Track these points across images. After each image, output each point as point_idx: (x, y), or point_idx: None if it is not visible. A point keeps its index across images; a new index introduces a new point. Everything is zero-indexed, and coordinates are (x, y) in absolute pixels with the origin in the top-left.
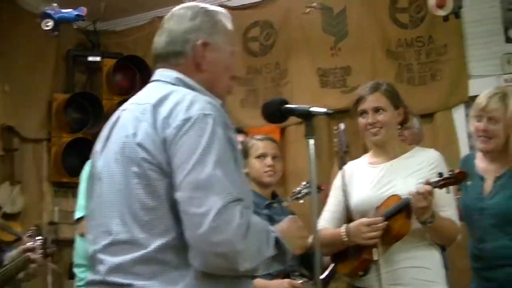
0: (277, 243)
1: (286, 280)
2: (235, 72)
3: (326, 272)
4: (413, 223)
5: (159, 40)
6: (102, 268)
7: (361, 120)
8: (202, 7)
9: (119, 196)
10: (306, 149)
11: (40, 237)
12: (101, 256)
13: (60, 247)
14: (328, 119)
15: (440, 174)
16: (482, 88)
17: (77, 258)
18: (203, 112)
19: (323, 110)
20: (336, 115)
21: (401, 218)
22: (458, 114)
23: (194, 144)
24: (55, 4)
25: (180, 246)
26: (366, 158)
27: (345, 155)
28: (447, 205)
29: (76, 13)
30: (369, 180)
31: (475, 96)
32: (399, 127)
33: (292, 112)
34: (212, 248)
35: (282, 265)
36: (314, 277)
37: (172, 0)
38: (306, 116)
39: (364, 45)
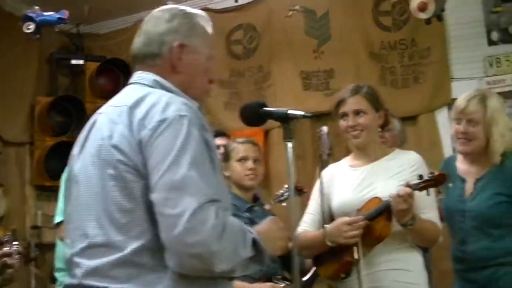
0: (255, 244)
1: (268, 284)
2: (213, 76)
3: (309, 275)
4: (394, 226)
5: (137, 41)
6: (78, 271)
7: (342, 123)
8: (181, 9)
9: (95, 199)
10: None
11: (16, 242)
12: (78, 259)
13: (43, 251)
14: (312, 122)
15: (421, 177)
16: (465, 91)
17: (58, 262)
18: (178, 113)
19: (301, 113)
20: (319, 118)
21: (382, 220)
22: (441, 117)
23: (169, 145)
24: (37, 7)
25: (156, 248)
26: (347, 161)
27: (328, 158)
28: (427, 207)
29: (58, 16)
30: (350, 183)
31: None
32: (380, 129)
33: (270, 115)
34: (187, 249)
35: (259, 266)
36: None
37: (156, 2)
38: (284, 119)
39: (347, 48)
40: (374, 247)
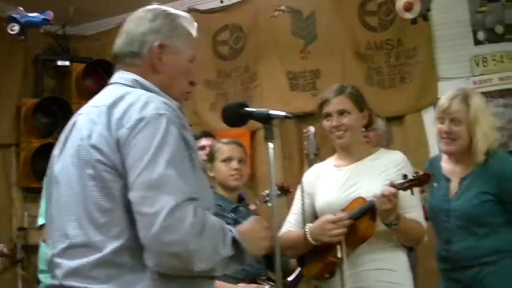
0: (235, 243)
1: (253, 285)
2: (193, 78)
3: (293, 275)
4: (378, 225)
5: (118, 41)
6: (59, 272)
7: (326, 123)
8: (164, 10)
9: (75, 199)
10: (275, 152)
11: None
12: (58, 260)
13: (29, 252)
14: (298, 122)
15: (405, 176)
16: None
17: (41, 264)
18: (157, 112)
19: (282, 113)
20: (306, 118)
21: (366, 220)
22: (428, 117)
23: (147, 144)
24: (21, 8)
25: (135, 248)
26: (331, 161)
27: (315, 158)
28: (412, 206)
29: (42, 17)
30: (334, 183)
31: None
32: (364, 129)
33: (251, 115)
34: (165, 248)
35: (240, 265)
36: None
37: (141, 3)
38: (266, 120)
39: (333, 48)
40: (358, 247)
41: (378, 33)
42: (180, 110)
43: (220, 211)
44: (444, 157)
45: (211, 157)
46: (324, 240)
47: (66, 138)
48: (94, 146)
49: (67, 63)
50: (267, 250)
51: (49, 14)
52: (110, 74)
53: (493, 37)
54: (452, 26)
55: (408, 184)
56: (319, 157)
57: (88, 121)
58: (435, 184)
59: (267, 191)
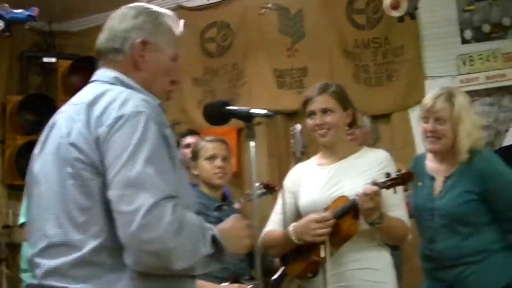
0: (215, 241)
1: (236, 285)
2: (176, 76)
3: (277, 274)
4: (361, 224)
5: (101, 37)
6: (39, 272)
7: (309, 122)
8: (147, 7)
9: (55, 198)
10: (262, 150)
11: None
12: (38, 259)
13: (14, 251)
14: (285, 120)
15: (388, 175)
16: None
17: (23, 263)
18: (136, 109)
19: (264, 112)
20: (293, 116)
21: (349, 219)
22: (415, 115)
23: (126, 141)
24: (6, 5)
25: (115, 247)
26: (315, 160)
27: (302, 156)
28: (395, 205)
29: (27, 13)
30: (317, 182)
31: None
32: (348, 128)
33: (233, 114)
34: (143, 246)
35: (220, 264)
36: (265, 280)
37: (129, 0)
38: (247, 118)
39: (321, 46)
40: (341, 246)
41: (365, 31)
42: (161, 108)
43: (203, 210)
44: (429, 156)
45: (195, 155)
46: (308, 240)
47: (46, 137)
48: (73, 144)
49: (53, 59)
50: (248, 248)
51: (34, 10)
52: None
53: (480, 36)
54: (440, 24)
55: (391, 182)
56: (306, 155)
57: (67, 119)
58: (419, 183)
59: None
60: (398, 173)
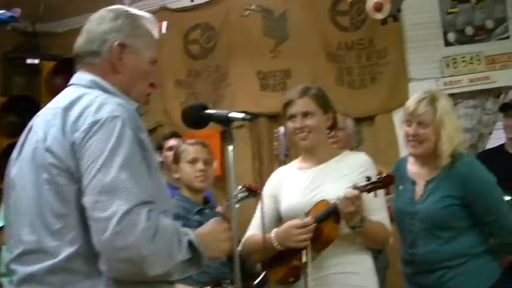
0: (192, 246)
1: None
2: (154, 79)
3: (258, 279)
4: (343, 228)
5: (79, 40)
6: (15, 278)
7: (290, 125)
8: (125, 10)
9: (31, 204)
10: (245, 153)
11: None
12: (14, 266)
13: None
14: (269, 123)
15: (368, 178)
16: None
17: (3, 267)
18: (112, 114)
19: (241, 115)
20: (277, 118)
21: (330, 223)
22: (398, 117)
23: (101, 147)
24: None
25: (90, 254)
26: (295, 163)
27: (285, 159)
28: (377, 208)
29: (10, 14)
30: (298, 186)
31: None
32: (329, 131)
33: (211, 117)
34: (117, 253)
35: (197, 269)
36: (247, 285)
37: (113, 2)
38: (225, 122)
39: (304, 48)
40: (322, 251)
41: (349, 33)
42: (138, 111)
43: (185, 213)
44: (410, 159)
45: (176, 158)
46: (289, 246)
47: (24, 141)
48: (48, 150)
49: (36, 61)
50: (228, 252)
51: (17, 11)
52: None
53: (464, 39)
54: (423, 27)
55: (372, 186)
56: (289, 157)
57: (44, 123)
58: (400, 187)
59: (234, 192)
60: (379, 176)
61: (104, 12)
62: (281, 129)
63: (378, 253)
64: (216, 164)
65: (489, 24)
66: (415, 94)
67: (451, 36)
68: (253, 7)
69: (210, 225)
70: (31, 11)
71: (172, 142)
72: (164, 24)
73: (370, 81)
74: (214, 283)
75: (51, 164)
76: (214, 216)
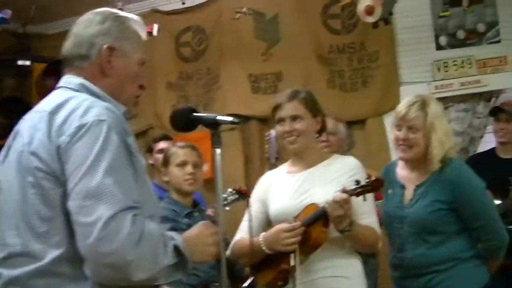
0: (178, 251)
1: None
2: (143, 81)
3: (247, 283)
4: (332, 232)
5: (67, 43)
6: (0, 281)
7: (279, 128)
8: (113, 13)
9: (16, 207)
10: (236, 155)
11: None
12: None
13: None
14: (260, 126)
15: (357, 182)
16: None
17: None
18: (98, 118)
19: (230, 119)
20: (268, 121)
21: (318, 226)
22: (390, 121)
23: (86, 152)
24: None
25: (75, 258)
26: (284, 167)
27: (276, 161)
28: (366, 212)
29: (0, 16)
30: (287, 189)
31: None
32: (317, 135)
33: (199, 120)
34: (101, 258)
35: (183, 273)
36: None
37: (104, 3)
38: (213, 125)
39: (296, 51)
40: (311, 254)
41: (341, 36)
42: (126, 115)
43: (174, 216)
44: (400, 163)
45: (165, 161)
46: (278, 249)
47: (10, 144)
48: (34, 153)
49: (27, 62)
50: (215, 256)
51: (7, 13)
52: None
53: (455, 42)
54: (415, 30)
55: (361, 189)
56: (280, 161)
57: (30, 127)
58: (390, 191)
59: (224, 195)
60: (367, 180)
61: (91, 15)
62: (272, 132)
63: (368, 257)
64: (207, 167)
65: (481, 27)
66: (406, 97)
67: (443, 40)
68: (244, 10)
69: (197, 228)
70: (22, 13)
71: (162, 144)
72: (155, 27)
73: (362, 85)
74: (203, 286)
75: (37, 167)
76: (203, 219)
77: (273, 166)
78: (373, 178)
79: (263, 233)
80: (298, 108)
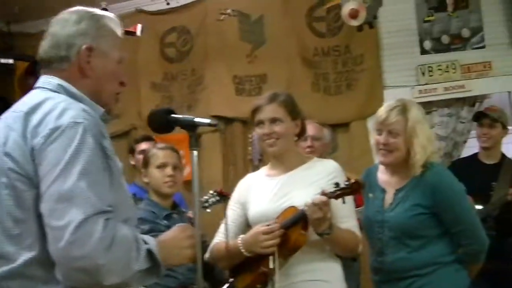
0: (152, 255)
1: None
2: (123, 78)
3: (225, 286)
4: (311, 235)
5: (44, 44)
6: None
7: (258, 131)
8: (88, 11)
9: None
10: (218, 157)
11: None
12: None
13: None
14: (243, 128)
15: (337, 184)
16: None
17: None
18: (74, 120)
19: (208, 121)
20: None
21: (297, 229)
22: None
23: (60, 154)
24: None
25: (47, 261)
26: (264, 170)
27: (259, 164)
28: (346, 216)
29: None
30: (267, 193)
31: None
32: (296, 138)
33: (177, 122)
34: (72, 262)
35: (157, 278)
36: None
37: (88, 3)
38: (191, 127)
39: (281, 53)
40: (290, 257)
41: (326, 39)
42: (106, 116)
43: (153, 218)
44: (381, 167)
45: (145, 162)
46: (257, 251)
47: None
48: (8, 154)
49: (10, 61)
50: (191, 259)
51: None
52: None
53: (440, 47)
54: (400, 34)
55: (340, 192)
56: (263, 163)
57: (5, 127)
58: (370, 195)
59: (205, 197)
60: (347, 182)
61: (66, 15)
62: (256, 134)
63: (352, 261)
64: (189, 169)
65: (465, 33)
66: (390, 101)
67: (427, 44)
68: (228, 11)
69: (173, 231)
70: (6, 11)
71: (144, 145)
72: (139, 27)
73: (346, 88)
74: None
75: (10, 168)
76: (183, 221)
77: (256, 168)
78: (352, 180)
79: (242, 236)
80: (277, 110)
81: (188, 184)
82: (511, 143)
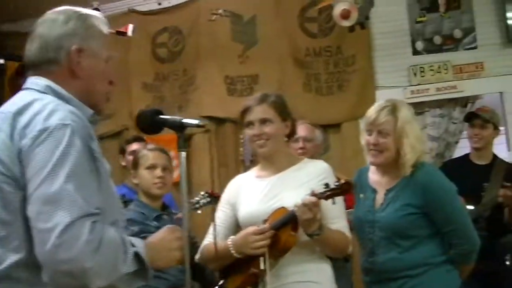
0: (139, 258)
1: None
2: (113, 77)
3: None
4: (301, 236)
5: (31, 47)
6: None
7: (248, 131)
8: (75, 11)
9: None
10: (208, 158)
11: None
12: None
13: None
14: (235, 128)
15: (327, 185)
16: None
17: None
18: (62, 122)
19: (196, 122)
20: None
21: (287, 230)
22: None
23: (48, 156)
24: None
25: (34, 264)
26: (254, 171)
27: (251, 165)
28: (336, 217)
29: None
30: (256, 194)
31: None
32: (286, 139)
33: (165, 123)
34: (58, 265)
35: (145, 280)
36: None
37: (80, 3)
38: (179, 128)
39: (272, 53)
40: (280, 258)
41: (317, 40)
42: (93, 119)
43: (143, 219)
44: (372, 168)
45: (135, 164)
46: (247, 253)
47: None
48: None
49: (1, 61)
50: (179, 261)
51: None
52: None
53: (431, 48)
54: (392, 35)
55: (330, 193)
56: (255, 163)
57: None
58: (361, 195)
59: (196, 198)
60: (337, 183)
61: (53, 15)
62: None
63: (345, 262)
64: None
65: (457, 33)
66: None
67: (419, 45)
68: (220, 11)
69: (161, 233)
70: None
71: (135, 146)
72: (130, 27)
73: (338, 88)
74: None
75: None
76: (172, 222)
77: (248, 168)
78: (342, 181)
79: (232, 237)
80: (267, 111)
81: (178, 185)
82: (502, 144)
